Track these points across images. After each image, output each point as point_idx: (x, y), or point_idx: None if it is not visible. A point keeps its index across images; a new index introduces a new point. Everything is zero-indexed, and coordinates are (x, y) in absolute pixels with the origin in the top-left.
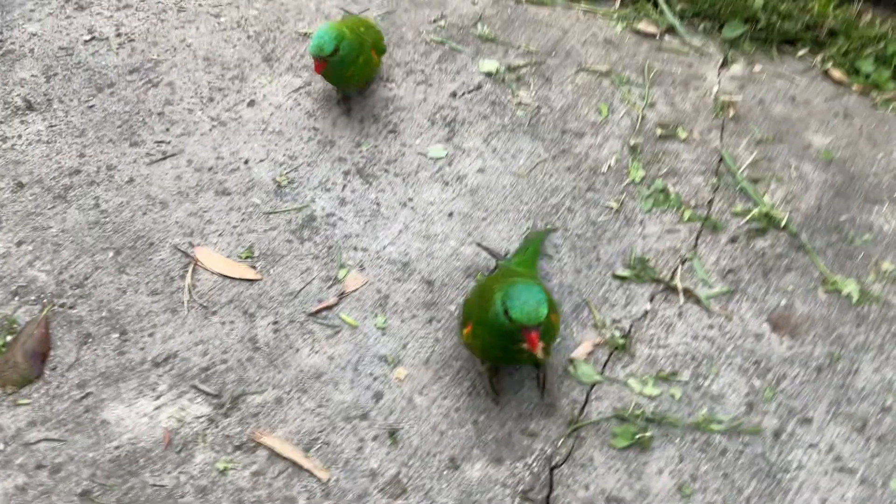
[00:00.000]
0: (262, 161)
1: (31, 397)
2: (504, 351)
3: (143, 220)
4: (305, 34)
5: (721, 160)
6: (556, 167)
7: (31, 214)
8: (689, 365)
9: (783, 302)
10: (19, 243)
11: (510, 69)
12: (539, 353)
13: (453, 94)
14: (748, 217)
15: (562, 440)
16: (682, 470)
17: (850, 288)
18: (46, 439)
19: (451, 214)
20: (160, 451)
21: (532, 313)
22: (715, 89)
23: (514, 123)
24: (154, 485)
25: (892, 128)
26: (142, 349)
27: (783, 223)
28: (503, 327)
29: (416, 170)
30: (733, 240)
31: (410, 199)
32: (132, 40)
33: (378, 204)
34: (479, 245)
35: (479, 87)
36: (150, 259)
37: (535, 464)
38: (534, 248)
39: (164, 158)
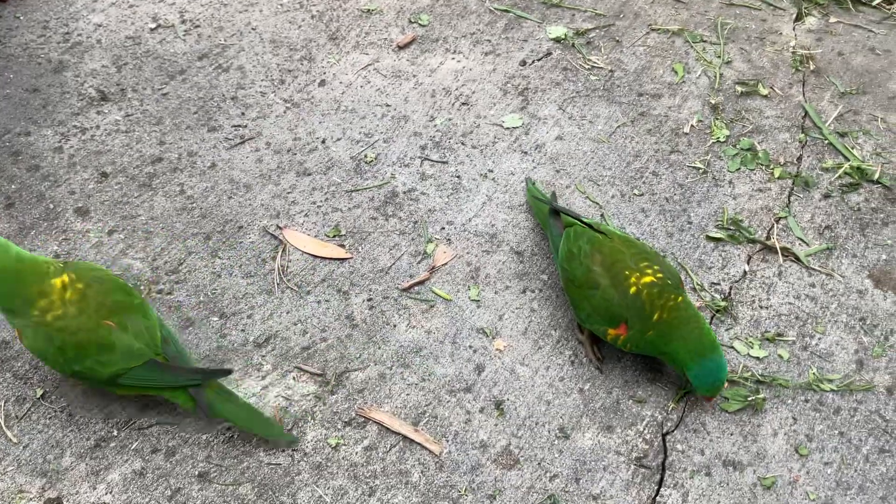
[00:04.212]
0: (338, 140)
1: None
2: None
3: (229, 204)
4: (368, 11)
5: (806, 115)
6: (637, 130)
7: (119, 203)
8: (793, 325)
9: (883, 257)
10: (111, 232)
11: (579, 34)
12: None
13: (523, 63)
14: (839, 172)
15: (671, 406)
16: (797, 430)
17: None
18: (158, 423)
19: (529, 179)
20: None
21: (717, 389)
22: (792, 43)
23: (588, 89)
24: (269, 463)
25: None
26: (242, 331)
27: (876, 176)
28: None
29: (493, 141)
30: (827, 196)
31: (490, 171)
32: (197, 26)
33: (458, 177)
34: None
35: (548, 53)
36: (241, 242)
37: (646, 430)
38: (543, 195)
39: (243, 142)
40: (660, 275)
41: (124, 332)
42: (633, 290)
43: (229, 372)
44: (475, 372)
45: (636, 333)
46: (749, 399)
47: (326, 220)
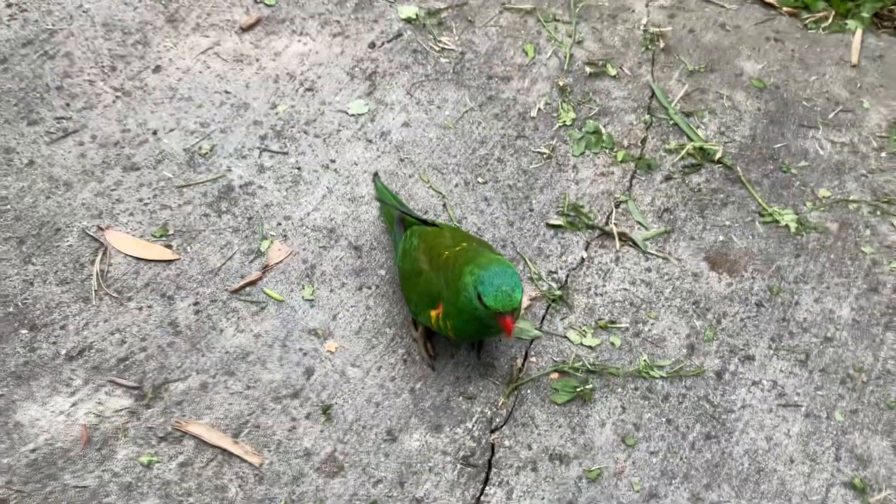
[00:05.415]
0: (171, 131)
1: None
2: (479, 331)
3: (46, 205)
4: None
5: (653, 95)
6: (484, 115)
7: None
8: (627, 311)
9: (721, 238)
10: None
11: (431, 13)
12: (512, 335)
13: (372, 45)
14: (682, 153)
15: (501, 401)
16: (626, 420)
17: (788, 218)
18: None
19: (376, 174)
20: (79, 451)
21: (506, 300)
22: (644, 21)
23: (437, 72)
24: (76, 486)
25: (823, 49)
26: (53, 343)
27: (718, 156)
28: (476, 312)
29: (338, 129)
30: (668, 178)
31: (333, 161)
32: (24, 10)
33: (299, 168)
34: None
35: (398, 35)
36: (58, 246)
37: (475, 428)
38: (391, 195)
39: (66, 136)
40: (473, 244)
41: None
42: (443, 257)
43: None
44: (304, 376)
45: (447, 299)
46: (578, 390)
47: (154, 219)
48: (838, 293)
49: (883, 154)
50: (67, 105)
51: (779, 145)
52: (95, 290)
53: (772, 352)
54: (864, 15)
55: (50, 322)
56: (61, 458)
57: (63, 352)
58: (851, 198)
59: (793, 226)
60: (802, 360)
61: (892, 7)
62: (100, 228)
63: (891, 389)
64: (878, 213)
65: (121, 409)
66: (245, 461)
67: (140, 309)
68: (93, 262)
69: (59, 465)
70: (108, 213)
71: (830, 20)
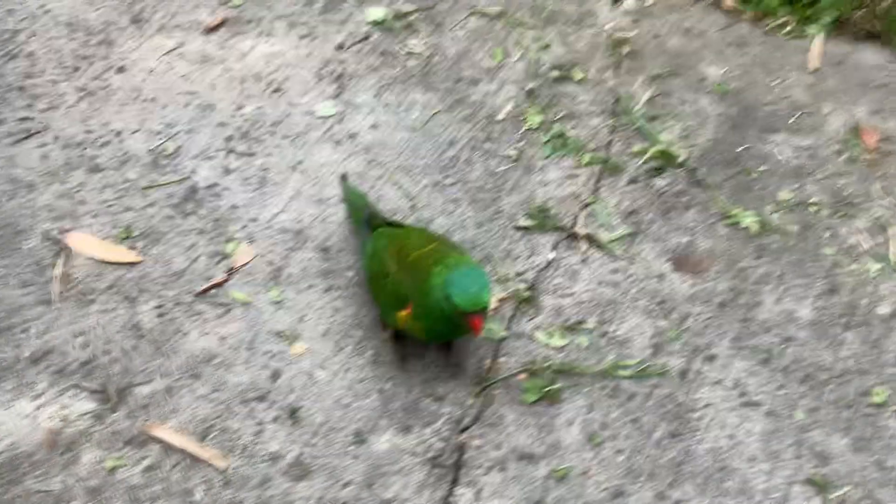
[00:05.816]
0: (135, 132)
1: None
2: (448, 332)
3: (8, 207)
4: None
5: (618, 100)
6: (452, 118)
7: None
8: (594, 312)
9: (685, 240)
10: None
11: (399, 16)
12: (480, 334)
13: (340, 47)
14: (646, 156)
15: (470, 401)
16: (592, 419)
17: (750, 220)
18: None
19: (344, 175)
20: (43, 455)
21: (475, 300)
22: (609, 26)
23: (405, 74)
24: (39, 491)
25: (784, 54)
26: (16, 347)
27: (681, 160)
28: (444, 312)
29: (305, 130)
30: (633, 181)
31: (300, 163)
32: None
33: (266, 170)
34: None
35: (366, 37)
36: (19, 248)
37: (444, 428)
38: (359, 197)
39: (28, 137)
40: (441, 245)
41: None
42: (411, 258)
43: None
44: (271, 379)
45: (416, 300)
46: (546, 390)
47: (117, 221)
48: (799, 294)
49: (842, 158)
50: (30, 105)
51: (741, 149)
52: (58, 293)
53: (734, 351)
54: (825, 21)
55: (11, 325)
56: (25, 463)
57: (26, 355)
58: (812, 201)
59: (754, 228)
60: (764, 359)
61: (851, 14)
62: (62, 230)
63: (850, 388)
64: (838, 215)
65: (85, 413)
66: (211, 465)
67: (103, 312)
68: (55, 265)
69: (23, 470)
70: (71, 214)
71: (792, 26)
